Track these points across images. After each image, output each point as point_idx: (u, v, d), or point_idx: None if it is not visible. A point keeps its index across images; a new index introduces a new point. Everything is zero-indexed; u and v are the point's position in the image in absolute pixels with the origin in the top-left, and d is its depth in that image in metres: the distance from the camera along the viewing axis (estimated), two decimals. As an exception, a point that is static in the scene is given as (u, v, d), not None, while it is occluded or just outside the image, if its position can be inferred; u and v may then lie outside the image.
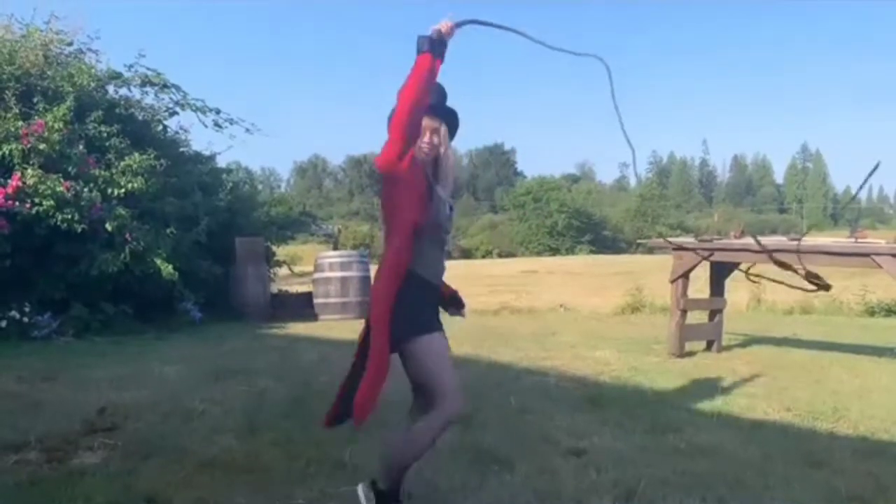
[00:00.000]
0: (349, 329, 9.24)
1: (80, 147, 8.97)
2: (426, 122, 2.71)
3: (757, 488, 3.30)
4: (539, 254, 60.68)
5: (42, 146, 8.46)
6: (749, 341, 8.05)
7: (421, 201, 2.67)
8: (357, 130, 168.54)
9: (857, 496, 3.18)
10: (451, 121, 2.84)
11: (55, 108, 8.86)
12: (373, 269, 11.91)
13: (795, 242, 6.55)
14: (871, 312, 11.58)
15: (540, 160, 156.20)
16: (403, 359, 2.69)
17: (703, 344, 7.43)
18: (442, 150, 2.79)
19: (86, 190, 8.61)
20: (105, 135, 9.44)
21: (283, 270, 14.33)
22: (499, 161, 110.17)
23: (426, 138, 2.74)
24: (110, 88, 10.52)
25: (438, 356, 2.67)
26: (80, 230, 8.43)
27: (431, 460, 3.43)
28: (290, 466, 3.57)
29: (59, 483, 3.27)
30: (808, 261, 6.38)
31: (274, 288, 12.37)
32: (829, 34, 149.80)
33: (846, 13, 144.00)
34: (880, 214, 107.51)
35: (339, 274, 11.00)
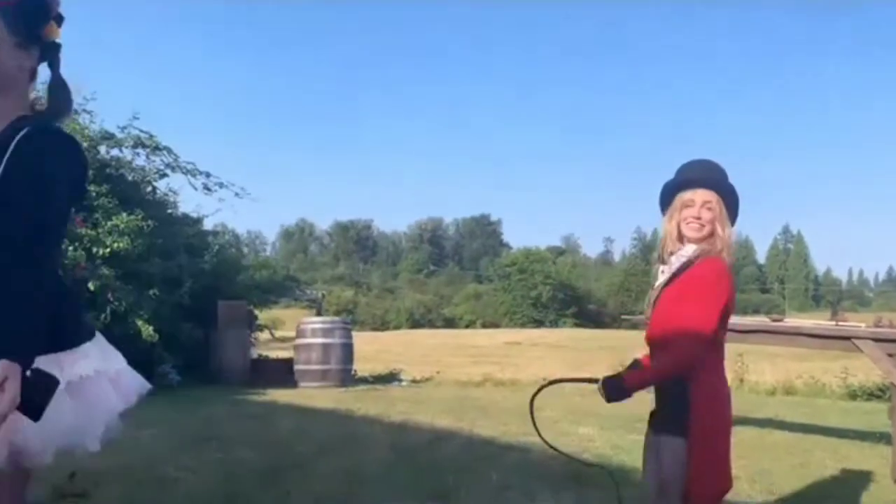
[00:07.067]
0: (329, 397, 9.11)
1: (69, 206, 8.95)
2: (690, 195, 2.43)
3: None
4: (523, 325, 60.54)
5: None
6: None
7: None
8: (345, 196, 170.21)
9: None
10: (728, 199, 2.46)
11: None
12: (356, 336, 11.90)
13: (777, 323, 6.62)
14: (853, 396, 11.58)
15: (526, 232, 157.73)
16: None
17: (687, 423, 7.36)
18: (718, 228, 2.41)
19: (71, 249, 8.57)
20: (94, 194, 9.45)
21: (265, 335, 14.21)
22: (485, 231, 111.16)
23: (693, 212, 2.43)
24: (102, 149, 10.60)
25: None
26: (62, 289, 8.34)
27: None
28: (264, 540, 3.47)
29: (23, 552, 3.15)
30: (791, 342, 6.42)
31: (254, 353, 12.23)
32: (811, 115, 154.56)
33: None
34: (860, 297, 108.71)
35: (320, 340, 10.90)
